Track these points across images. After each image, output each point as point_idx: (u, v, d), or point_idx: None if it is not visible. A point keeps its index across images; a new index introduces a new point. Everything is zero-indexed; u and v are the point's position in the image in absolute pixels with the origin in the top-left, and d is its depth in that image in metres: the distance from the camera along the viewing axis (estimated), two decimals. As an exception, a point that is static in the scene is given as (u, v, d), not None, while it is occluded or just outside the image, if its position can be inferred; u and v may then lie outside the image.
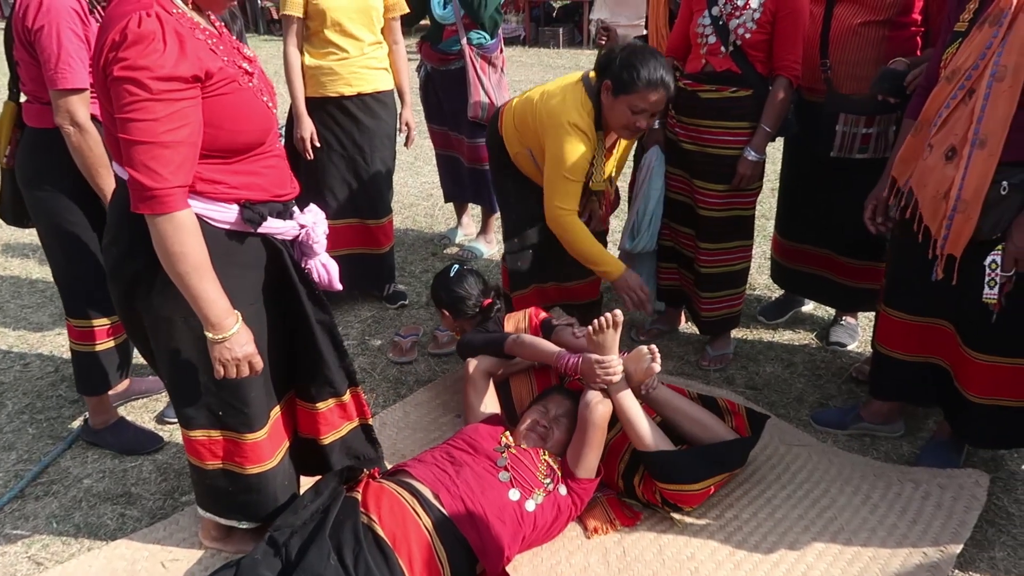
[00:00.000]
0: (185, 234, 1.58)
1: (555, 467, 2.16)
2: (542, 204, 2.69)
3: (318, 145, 3.28)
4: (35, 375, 3.13)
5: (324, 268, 1.99)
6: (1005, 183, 1.92)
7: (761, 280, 3.78)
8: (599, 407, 2.13)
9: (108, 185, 2.27)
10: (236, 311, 1.71)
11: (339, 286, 2.04)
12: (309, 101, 3.24)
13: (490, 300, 2.86)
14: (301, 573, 1.72)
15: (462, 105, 3.76)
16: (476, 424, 2.31)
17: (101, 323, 2.52)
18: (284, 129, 3.56)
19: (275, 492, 1.98)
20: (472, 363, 2.52)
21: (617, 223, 4.61)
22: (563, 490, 2.13)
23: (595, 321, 2.21)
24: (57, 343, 3.38)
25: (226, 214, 1.70)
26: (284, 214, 1.83)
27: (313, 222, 1.92)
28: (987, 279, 2.03)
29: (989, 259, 2.01)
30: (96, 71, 1.59)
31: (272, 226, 1.80)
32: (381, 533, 1.82)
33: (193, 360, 1.80)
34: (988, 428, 2.22)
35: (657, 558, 2.09)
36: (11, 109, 2.38)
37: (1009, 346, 2.12)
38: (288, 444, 2.04)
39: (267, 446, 1.93)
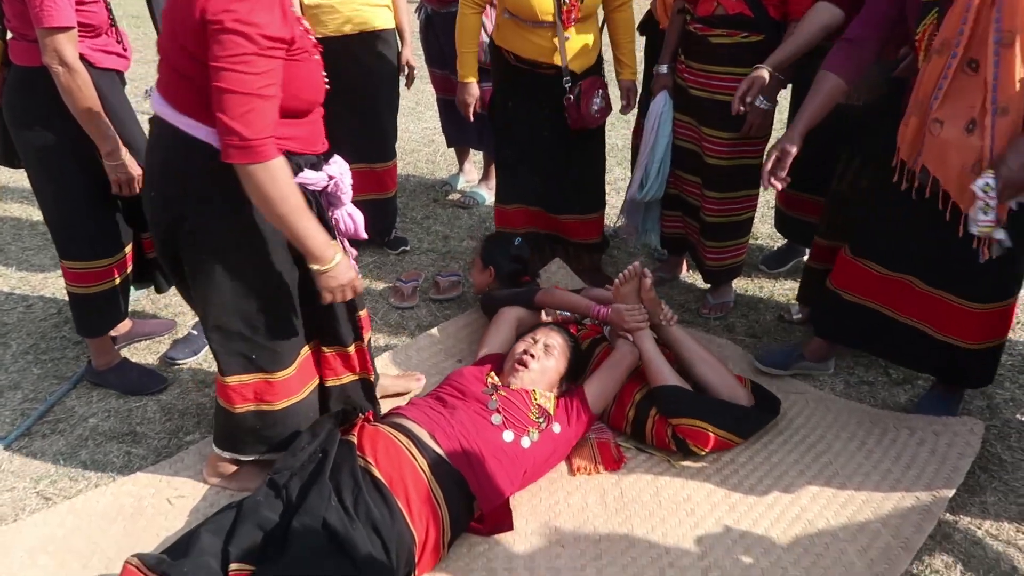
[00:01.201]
0: (282, 179, 1.68)
1: (548, 408, 2.19)
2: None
3: None
4: (38, 316, 3.15)
5: (350, 217, 2.07)
6: None
7: (764, 229, 3.77)
8: (628, 348, 2.41)
9: (100, 127, 2.24)
10: (334, 241, 1.86)
11: (364, 235, 2.12)
12: None
13: (528, 278, 2.96)
14: (303, 515, 1.75)
15: None
16: (460, 368, 2.35)
17: (95, 265, 2.51)
18: None
19: (299, 424, 2.08)
20: (507, 308, 2.64)
21: (622, 171, 4.58)
22: (557, 428, 2.18)
23: (621, 274, 2.52)
24: (59, 285, 3.39)
25: None
26: (317, 166, 1.92)
27: (340, 172, 1.99)
28: (979, 205, 1.93)
29: (982, 182, 1.91)
30: (187, 17, 1.59)
31: (306, 177, 1.87)
32: (379, 475, 1.85)
33: (230, 307, 1.89)
34: (987, 368, 2.31)
35: (654, 499, 2.13)
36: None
37: (1002, 290, 2.19)
38: (317, 382, 2.14)
39: (295, 382, 2.04)
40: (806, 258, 3.46)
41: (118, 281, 2.59)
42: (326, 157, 1.99)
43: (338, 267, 1.81)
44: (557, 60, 2.83)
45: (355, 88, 3.25)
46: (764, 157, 2.42)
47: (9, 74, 2.31)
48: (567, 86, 2.85)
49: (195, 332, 2.90)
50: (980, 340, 2.24)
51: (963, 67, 1.92)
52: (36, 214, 4.13)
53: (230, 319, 1.91)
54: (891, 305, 2.37)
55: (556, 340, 2.37)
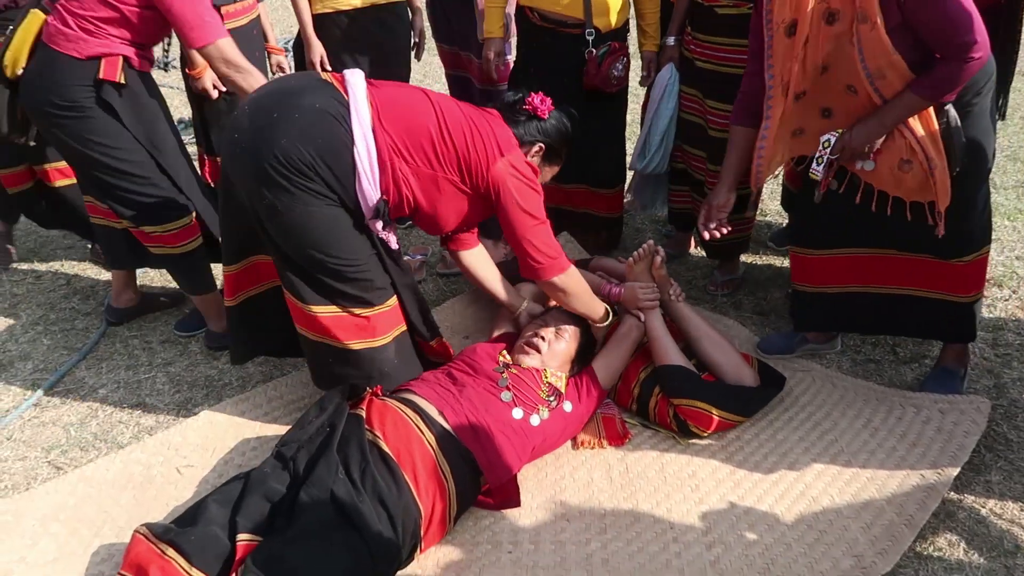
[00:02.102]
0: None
1: (559, 387, 2.20)
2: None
3: (329, 69, 3.20)
4: (47, 287, 3.17)
5: (391, 233, 2.15)
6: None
7: (772, 206, 3.75)
8: (634, 324, 2.44)
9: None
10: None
11: (395, 246, 2.18)
12: (317, 19, 3.14)
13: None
14: (311, 486, 1.76)
15: (471, 23, 3.65)
16: (474, 345, 2.35)
17: (180, 224, 2.57)
18: (292, 52, 3.47)
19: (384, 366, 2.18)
20: (526, 285, 2.62)
21: (630, 146, 4.54)
22: (568, 406, 2.18)
23: (635, 252, 2.54)
24: (68, 255, 3.41)
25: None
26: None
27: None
28: (817, 155, 2.16)
29: (825, 137, 2.13)
30: None
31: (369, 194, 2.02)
32: (386, 449, 1.86)
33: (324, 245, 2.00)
34: (973, 322, 2.37)
35: (659, 475, 2.14)
36: (39, 21, 2.34)
37: (973, 243, 2.25)
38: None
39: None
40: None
41: (201, 240, 2.65)
42: None
43: (610, 321, 2.40)
44: (581, 13, 2.80)
45: (366, 65, 3.22)
46: (700, 210, 2.54)
47: (59, 63, 2.32)
48: (590, 39, 2.82)
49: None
50: (969, 293, 2.30)
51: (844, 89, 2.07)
52: (44, 185, 4.13)
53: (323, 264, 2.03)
54: (873, 281, 2.39)
55: (567, 323, 2.37)
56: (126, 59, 2.35)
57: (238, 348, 2.41)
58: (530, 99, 2.24)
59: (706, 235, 2.49)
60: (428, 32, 4.04)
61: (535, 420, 2.10)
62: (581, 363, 2.35)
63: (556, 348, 2.29)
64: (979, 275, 2.31)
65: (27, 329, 2.89)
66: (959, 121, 2.06)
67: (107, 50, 2.32)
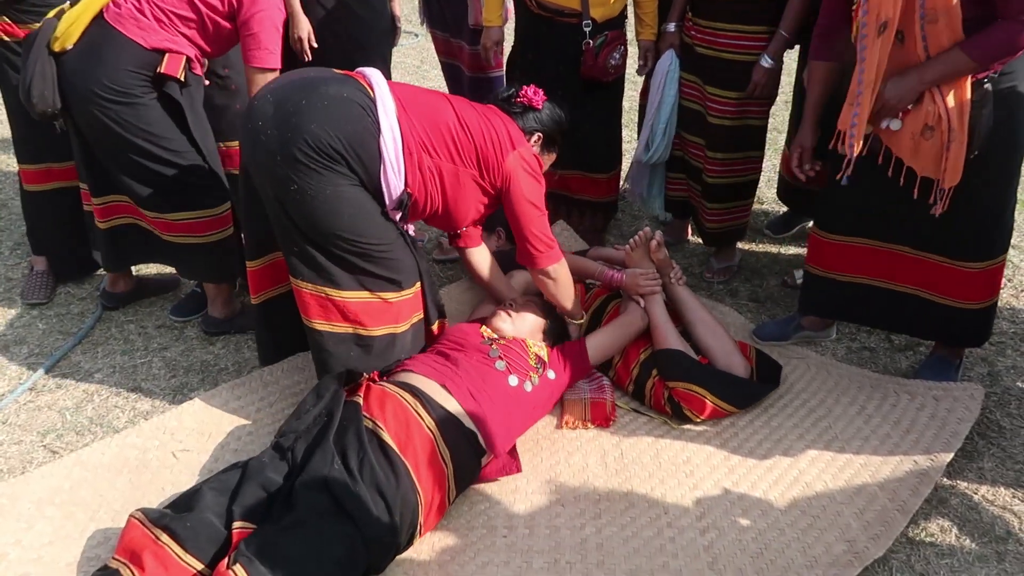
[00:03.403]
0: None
1: (543, 356, 2.25)
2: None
3: (315, 46, 3.16)
4: (43, 272, 3.15)
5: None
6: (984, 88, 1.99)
7: (769, 194, 3.75)
8: (639, 313, 2.46)
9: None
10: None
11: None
12: None
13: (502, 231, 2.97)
14: (307, 476, 1.76)
15: (463, 9, 3.62)
16: (457, 324, 2.39)
17: (216, 212, 2.58)
18: None
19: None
20: (517, 275, 2.65)
21: (628, 133, 4.53)
22: (551, 374, 2.24)
23: (631, 240, 2.56)
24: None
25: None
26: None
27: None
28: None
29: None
30: None
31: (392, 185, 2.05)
32: (387, 438, 1.86)
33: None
34: (984, 327, 2.35)
35: (654, 461, 2.15)
36: (101, 3, 2.33)
37: (989, 249, 2.22)
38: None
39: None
40: (811, 224, 3.44)
41: (232, 230, 2.64)
42: None
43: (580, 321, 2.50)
44: (578, 3, 2.80)
45: (349, 42, 3.16)
46: (790, 154, 2.48)
47: (123, 49, 2.31)
48: (587, 29, 2.82)
49: (198, 290, 2.90)
50: (978, 300, 2.27)
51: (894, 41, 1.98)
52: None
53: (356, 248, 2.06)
54: (884, 276, 2.38)
55: (532, 298, 2.46)
56: (188, 60, 2.37)
57: (266, 349, 2.43)
58: (523, 92, 2.30)
59: (802, 177, 2.45)
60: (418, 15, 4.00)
61: (528, 387, 2.14)
62: (555, 336, 2.40)
63: (525, 315, 2.36)
64: (992, 283, 2.28)
65: (22, 314, 2.88)
66: (992, 103, 2.01)
67: (174, 46, 2.34)
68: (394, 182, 2.01)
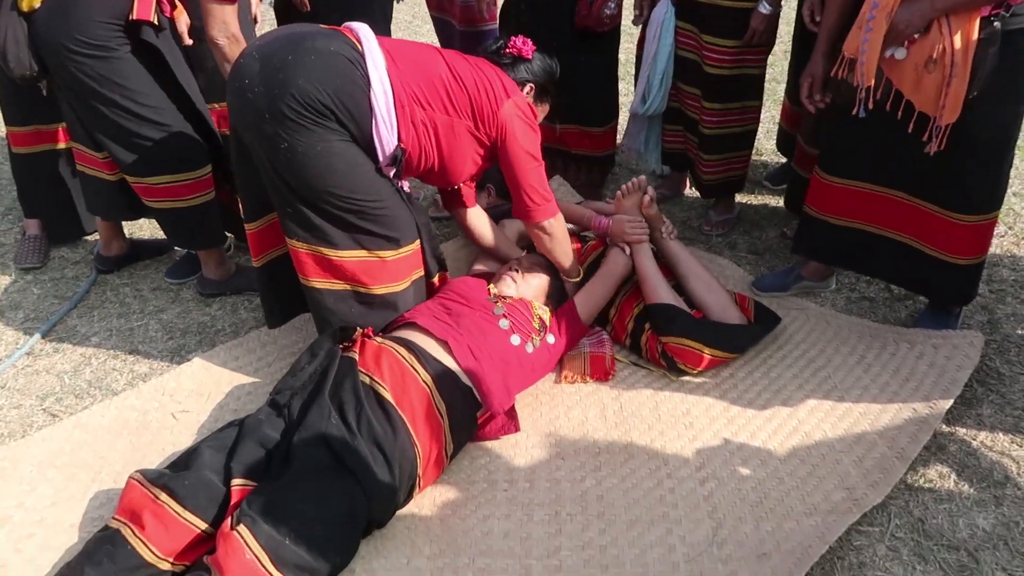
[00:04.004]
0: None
1: (546, 320, 2.24)
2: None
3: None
4: (35, 237, 3.12)
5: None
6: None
7: (768, 145, 3.70)
8: (621, 259, 2.43)
9: None
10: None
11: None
12: None
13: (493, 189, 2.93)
14: (304, 432, 1.76)
15: None
16: (463, 277, 2.37)
17: (194, 176, 2.52)
18: None
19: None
20: (510, 223, 2.64)
21: (624, 86, 4.46)
22: (551, 339, 2.23)
23: (624, 186, 2.51)
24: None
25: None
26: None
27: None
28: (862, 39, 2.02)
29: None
30: None
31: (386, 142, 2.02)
32: (384, 392, 1.86)
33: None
34: (970, 285, 2.33)
35: (653, 413, 2.15)
36: None
37: (984, 202, 2.19)
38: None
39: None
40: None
41: (214, 194, 2.60)
42: None
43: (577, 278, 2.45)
44: None
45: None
46: (800, 83, 2.39)
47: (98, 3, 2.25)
48: None
49: (192, 252, 2.88)
50: (966, 255, 2.25)
51: None
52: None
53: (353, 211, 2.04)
54: (878, 222, 2.36)
55: (538, 260, 2.42)
56: (159, 2, 2.31)
57: (272, 311, 2.37)
58: (512, 43, 2.26)
59: (811, 108, 2.39)
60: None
61: (529, 348, 2.13)
62: (556, 300, 2.38)
63: (530, 279, 2.33)
64: (982, 239, 2.25)
65: (16, 279, 2.87)
66: (999, 43, 1.96)
67: None
68: (387, 137, 1.97)
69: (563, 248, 2.35)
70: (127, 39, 2.30)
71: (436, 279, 2.31)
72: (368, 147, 1.98)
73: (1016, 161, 3.36)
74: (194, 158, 2.51)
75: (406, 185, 2.15)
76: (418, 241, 2.16)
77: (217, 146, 2.58)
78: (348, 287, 2.09)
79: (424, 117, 2.01)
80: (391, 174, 2.06)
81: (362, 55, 1.93)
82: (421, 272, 2.22)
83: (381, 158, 2.00)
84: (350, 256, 2.04)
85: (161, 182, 2.49)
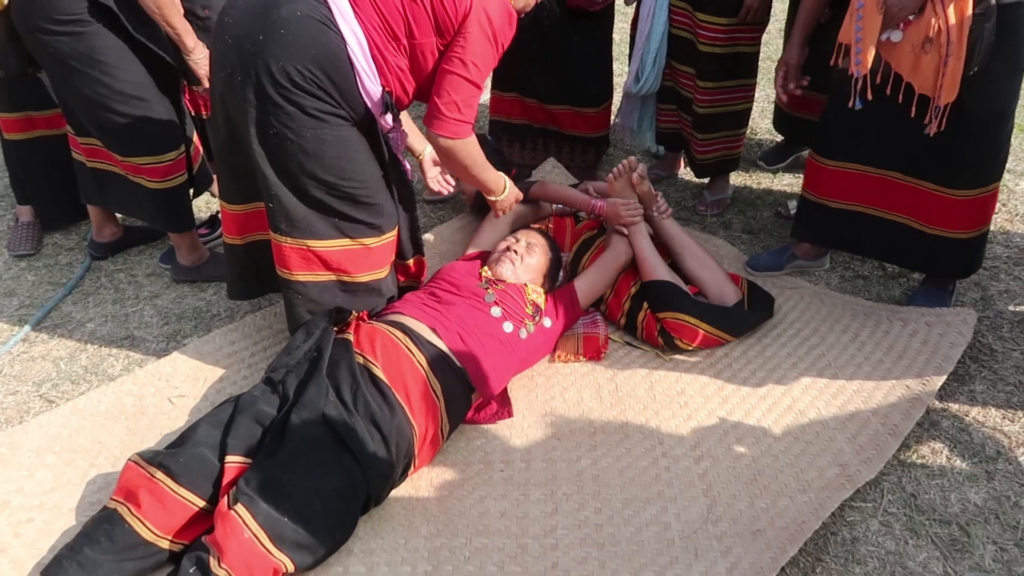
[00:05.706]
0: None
1: (539, 303, 2.23)
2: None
3: None
4: (29, 223, 3.11)
5: (401, 135, 2.14)
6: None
7: (763, 125, 3.70)
8: (623, 247, 2.42)
9: (184, 26, 2.39)
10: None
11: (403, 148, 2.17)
12: None
13: (515, 171, 2.88)
14: (301, 409, 1.77)
15: None
16: (450, 264, 2.36)
17: (168, 158, 2.52)
18: None
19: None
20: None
21: (619, 66, 4.44)
22: (548, 322, 2.23)
23: (614, 168, 2.49)
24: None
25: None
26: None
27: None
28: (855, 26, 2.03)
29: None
30: None
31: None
32: (379, 372, 1.86)
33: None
34: (974, 257, 2.34)
35: (648, 393, 2.16)
36: None
37: (983, 176, 2.20)
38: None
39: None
40: (806, 154, 3.40)
41: (186, 176, 2.60)
42: None
43: (507, 197, 2.28)
44: None
45: None
46: (775, 71, 2.43)
47: None
48: None
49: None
50: (967, 229, 2.25)
51: None
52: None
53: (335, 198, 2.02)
54: (875, 204, 2.37)
55: (537, 239, 2.40)
56: None
57: (238, 284, 2.35)
58: None
59: (784, 97, 2.43)
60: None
61: (523, 334, 2.13)
62: (552, 279, 2.38)
63: (528, 262, 2.32)
64: (984, 211, 2.26)
65: (10, 266, 2.86)
66: (995, 17, 1.96)
67: None
68: (372, 88, 1.93)
69: (473, 172, 2.11)
70: (99, 11, 2.27)
71: (411, 262, 2.28)
72: (359, 108, 1.94)
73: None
74: (171, 137, 2.50)
75: (400, 142, 2.11)
76: (397, 227, 2.15)
77: (184, 124, 2.57)
78: (333, 277, 2.08)
79: (394, 55, 1.93)
80: (389, 121, 2.01)
81: (330, 9, 1.86)
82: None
83: (373, 109, 1.96)
84: (334, 246, 2.03)
85: (144, 163, 2.49)
